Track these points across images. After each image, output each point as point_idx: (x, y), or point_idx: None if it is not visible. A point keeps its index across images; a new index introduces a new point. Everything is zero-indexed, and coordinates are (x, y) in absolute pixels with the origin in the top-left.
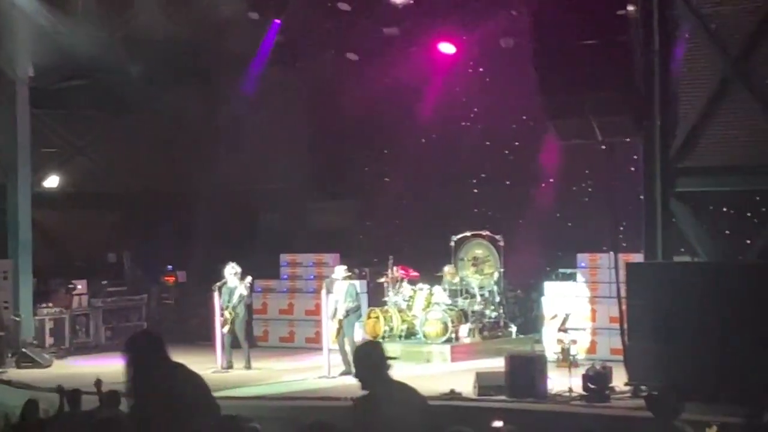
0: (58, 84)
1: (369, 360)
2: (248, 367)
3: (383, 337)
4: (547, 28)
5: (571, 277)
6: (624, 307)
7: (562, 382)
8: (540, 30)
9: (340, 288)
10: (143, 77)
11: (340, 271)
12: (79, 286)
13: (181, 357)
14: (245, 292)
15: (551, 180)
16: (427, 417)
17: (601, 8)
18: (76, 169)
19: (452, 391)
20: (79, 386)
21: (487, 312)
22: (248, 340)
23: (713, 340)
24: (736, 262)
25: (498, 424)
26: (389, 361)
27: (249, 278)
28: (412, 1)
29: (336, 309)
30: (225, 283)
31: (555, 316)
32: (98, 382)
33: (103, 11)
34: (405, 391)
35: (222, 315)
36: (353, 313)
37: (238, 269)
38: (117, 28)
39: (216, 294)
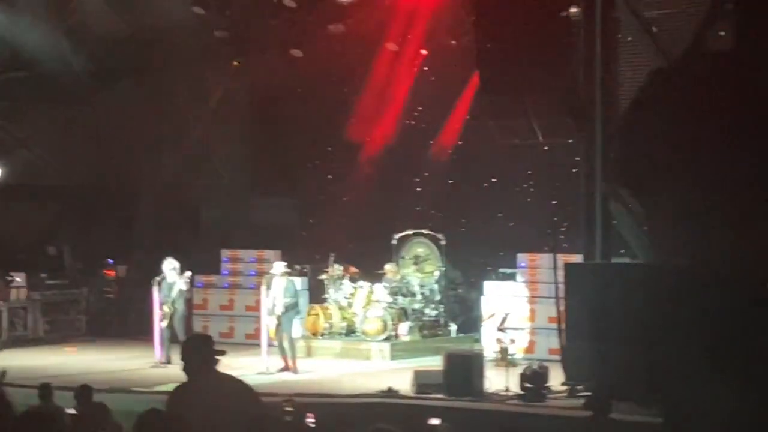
0: (2, 75)
1: (195, 351)
2: None
3: (323, 334)
4: (490, 29)
5: (511, 276)
6: (562, 307)
7: (499, 381)
8: (483, 30)
9: (279, 284)
10: (86, 70)
11: (279, 267)
12: (18, 279)
13: (120, 351)
14: (184, 287)
15: (493, 180)
16: (257, 411)
17: (544, 10)
18: (17, 160)
19: (390, 389)
20: (15, 380)
21: (427, 310)
22: (187, 335)
23: (648, 341)
24: (673, 264)
25: (435, 421)
26: (216, 356)
27: (188, 273)
28: None
29: (274, 305)
30: (165, 277)
31: (492, 315)
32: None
33: (48, 3)
34: (229, 384)
35: (161, 310)
36: (291, 309)
37: (177, 264)
38: (60, 20)
39: (155, 288)
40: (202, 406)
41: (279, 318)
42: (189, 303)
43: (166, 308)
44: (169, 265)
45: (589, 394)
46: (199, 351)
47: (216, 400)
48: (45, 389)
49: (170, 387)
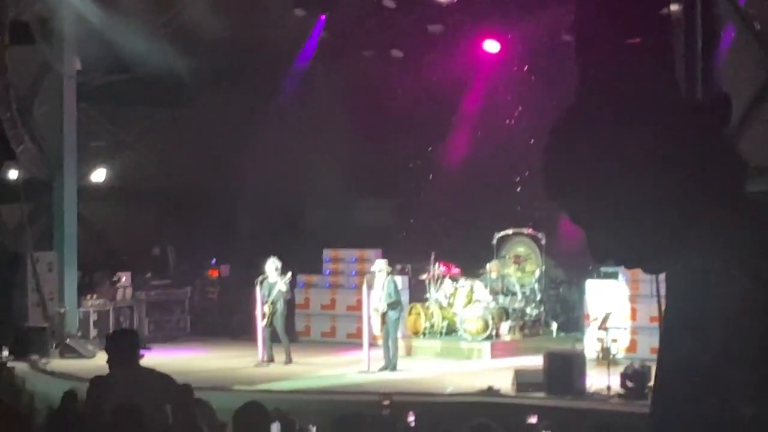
0: (105, 78)
1: (118, 345)
2: (288, 361)
3: (424, 334)
4: (589, 26)
5: (613, 275)
6: (664, 306)
7: (600, 380)
8: (581, 28)
9: (379, 281)
10: (189, 73)
11: (380, 264)
12: (124, 279)
13: (223, 350)
14: (284, 288)
15: None
16: (179, 404)
17: (644, 7)
18: (123, 163)
19: (490, 388)
20: None
21: (528, 310)
22: (288, 334)
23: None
24: None
25: (533, 419)
26: (140, 351)
27: (289, 274)
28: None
29: (377, 303)
30: (266, 277)
31: (595, 318)
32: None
33: (150, 6)
34: (148, 376)
35: (262, 309)
36: (393, 308)
37: (279, 264)
38: (163, 24)
39: (258, 288)
40: (118, 395)
41: (383, 316)
42: (290, 303)
43: (266, 308)
44: (272, 265)
45: None
46: (121, 345)
47: (132, 390)
48: None
49: (273, 385)
